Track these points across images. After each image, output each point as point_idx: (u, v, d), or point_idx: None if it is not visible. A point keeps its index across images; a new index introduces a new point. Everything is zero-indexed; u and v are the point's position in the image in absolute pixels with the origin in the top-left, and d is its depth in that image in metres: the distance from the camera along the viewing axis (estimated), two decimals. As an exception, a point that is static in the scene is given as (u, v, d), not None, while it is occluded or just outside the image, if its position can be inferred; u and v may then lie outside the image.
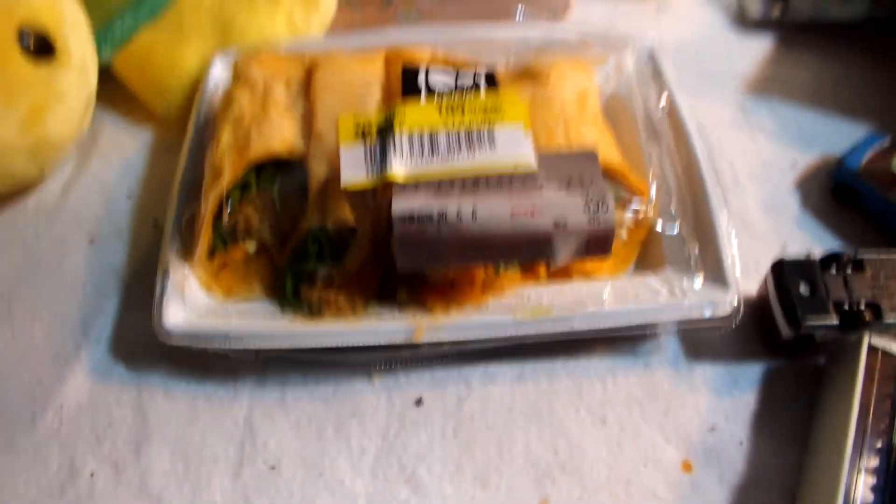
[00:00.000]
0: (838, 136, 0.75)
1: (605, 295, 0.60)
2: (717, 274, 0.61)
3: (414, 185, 0.58)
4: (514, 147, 0.60)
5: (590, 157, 0.60)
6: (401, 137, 0.60)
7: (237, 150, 0.63)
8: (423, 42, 0.72)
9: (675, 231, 0.62)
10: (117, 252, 0.71)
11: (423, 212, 0.57)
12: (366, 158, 0.60)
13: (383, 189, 0.60)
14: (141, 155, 0.77)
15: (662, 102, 0.68)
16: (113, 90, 0.79)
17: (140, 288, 0.68)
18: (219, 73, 0.75)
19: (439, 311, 0.61)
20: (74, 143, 0.72)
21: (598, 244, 0.57)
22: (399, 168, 0.59)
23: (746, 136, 0.76)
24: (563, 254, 0.57)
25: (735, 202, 0.71)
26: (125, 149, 0.77)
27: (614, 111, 0.72)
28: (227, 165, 0.62)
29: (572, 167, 0.60)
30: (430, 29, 0.78)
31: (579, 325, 0.59)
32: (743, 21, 0.86)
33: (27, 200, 0.74)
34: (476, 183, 0.58)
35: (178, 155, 0.70)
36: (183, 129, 0.72)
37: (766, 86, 0.80)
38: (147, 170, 0.76)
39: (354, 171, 0.60)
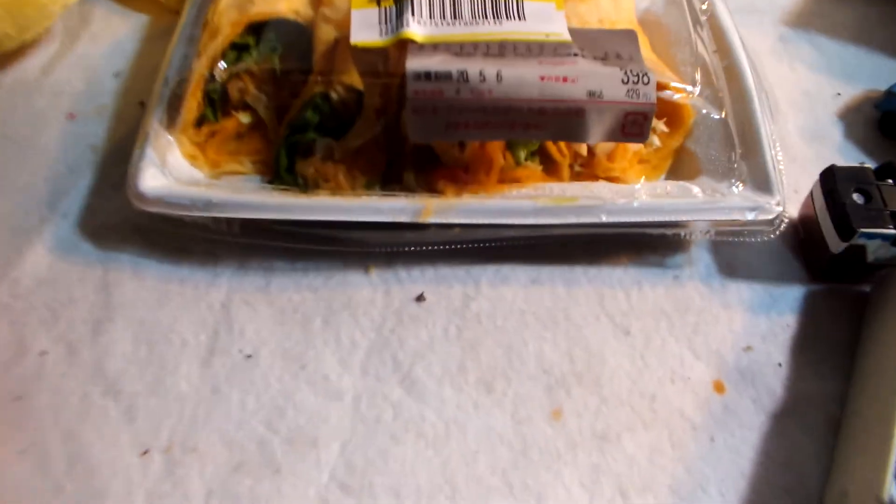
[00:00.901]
0: (883, 70, 0.68)
1: (639, 189, 0.52)
2: (760, 178, 0.53)
3: (432, 46, 0.51)
4: (545, 21, 0.52)
5: (628, 34, 0.53)
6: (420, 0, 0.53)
7: (237, 8, 0.54)
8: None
9: (719, 116, 0.54)
10: (97, 129, 0.62)
11: (441, 70, 0.49)
12: (380, 19, 0.52)
13: (397, 52, 0.52)
14: (133, 38, 0.68)
15: (704, 6, 0.62)
16: None
17: (118, 167, 0.59)
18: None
19: (450, 194, 0.52)
20: (59, 9, 0.64)
21: (635, 123, 0.50)
22: (417, 29, 0.51)
23: (786, 66, 0.68)
24: (595, 131, 0.49)
25: (775, 128, 0.63)
26: (117, 31, 0.68)
27: (647, 25, 0.65)
28: (225, 23, 0.54)
29: (609, 44, 0.52)
30: None
31: (609, 216, 0.51)
32: None
33: (4, 75, 0.66)
34: (502, 48, 0.50)
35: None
36: (178, 16, 0.65)
37: (808, 20, 0.72)
38: (138, 53, 0.67)
39: (366, 30, 0.52)
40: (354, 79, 0.51)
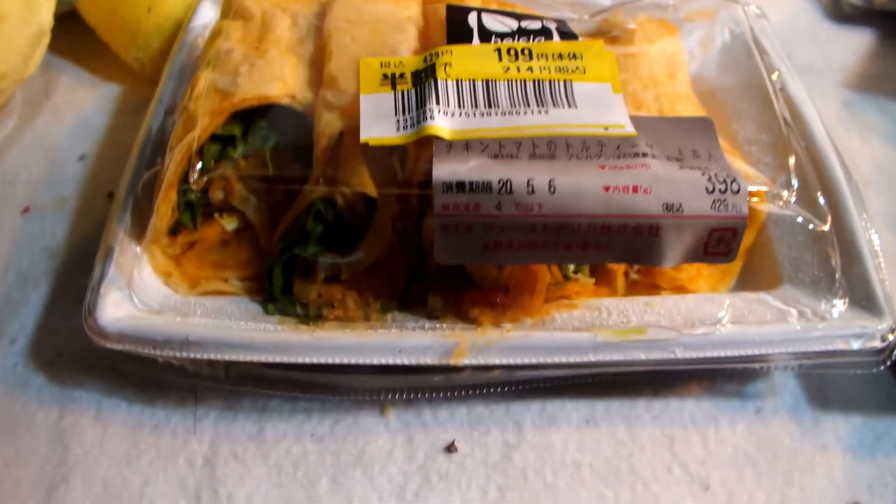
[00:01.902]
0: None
1: (721, 313, 0.41)
2: (862, 294, 0.42)
3: (463, 144, 0.39)
4: (600, 107, 0.40)
5: (703, 124, 0.41)
6: (446, 83, 0.41)
7: (219, 92, 0.42)
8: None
9: (812, 226, 0.42)
10: (56, 227, 0.49)
11: (478, 178, 0.37)
12: (396, 108, 0.40)
13: (418, 149, 0.40)
14: (102, 113, 0.56)
15: (769, 83, 0.50)
16: (77, 38, 0.59)
17: (79, 276, 0.46)
18: (207, 17, 0.54)
19: (487, 324, 0.40)
20: (16, 82, 0.51)
21: (721, 241, 0.38)
22: (443, 121, 0.39)
23: (856, 137, 0.57)
24: (673, 252, 0.37)
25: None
26: (83, 105, 0.56)
27: (698, 95, 0.54)
28: (203, 110, 0.42)
29: (681, 137, 0.40)
30: None
31: (685, 351, 0.40)
32: (838, 9, 0.67)
33: (-50, 157, 0.54)
34: (553, 146, 0.39)
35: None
36: (156, 85, 0.53)
37: (872, 82, 0.61)
38: (108, 130, 0.55)
39: (379, 122, 0.39)
40: (365, 182, 0.39)
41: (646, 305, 0.42)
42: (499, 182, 0.36)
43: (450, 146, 0.38)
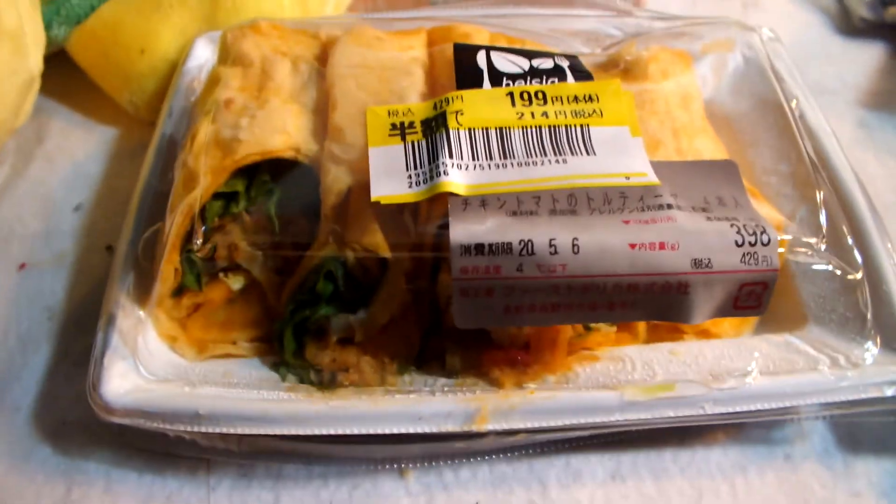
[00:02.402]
0: None
1: (751, 366, 0.39)
2: (892, 337, 0.40)
3: (480, 201, 0.37)
4: (620, 153, 0.38)
5: (726, 168, 0.39)
6: (458, 133, 0.38)
7: (221, 147, 0.39)
8: (472, 20, 0.51)
9: (830, 268, 0.40)
10: (55, 284, 0.47)
11: (497, 240, 0.35)
12: (407, 161, 0.38)
13: (432, 206, 0.38)
14: (97, 159, 0.53)
15: (789, 109, 0.48)
16: (68, 78, 0.56)
17: (80, 336, 0.44)
18: (203, 57, 0.51)
19: (508, 384, 0.38)
20: (7, 134, 0.49)
21: (752, 295, 0.35)
22: (457, 176, 0.37)
23: (873, 160, 0.54)
24: (702, 309, 0.35)
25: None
26: (77, 151, 0.53)
27: (711, 121, 0.51)
28: (204, 168, 0.39)
29: (705, 183, 0.38)
30: (478, 12, 0.53)
31: (714, 406, 0.38)
32: (848, 24, 0.65)
33: (-60, 212, 0.51)
34: (573, 200, 0.37)
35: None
36: (153, 128, 0.50)
37: (888, 99, 0.58)
38: (103, 178, 0.52)
39: (390, 178, 0.37)
40: (377, 242, 0.37)
41: (670, 355, 0.40)
42: (520, 243, 0.34)
43: (465, 203, 0.36)
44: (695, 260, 0.34)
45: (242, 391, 0.38)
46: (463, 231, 0.34)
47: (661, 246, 0.34)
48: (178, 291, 0.41)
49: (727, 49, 0.49)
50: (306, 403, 0.37)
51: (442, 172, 0.36)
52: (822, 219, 0.39)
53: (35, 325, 0.45)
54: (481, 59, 0.42)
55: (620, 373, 0.39)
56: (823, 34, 0.64)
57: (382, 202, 0.36)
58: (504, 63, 0.42)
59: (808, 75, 0.58)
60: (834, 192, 0.44)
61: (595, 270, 0.34)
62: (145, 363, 0.38)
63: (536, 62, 0.42)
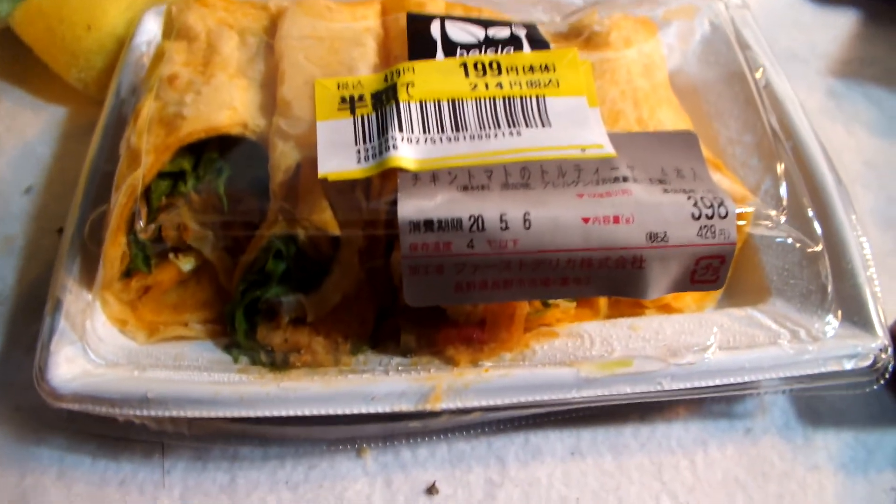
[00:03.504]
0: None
1: (710, 340, 0.38)
2: (853, 308, 0.39)
3: (430, 176, 0.35)
4: (576, 125, 0.36)
5: (686, 139, 0.37)
6: (409, 106, 0.37)
7: (164, 125, 0.37)
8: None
9: (790, 241, 0.39)
10: (4, 269, 0.45)
11: (447, 216, 0.34)
12: (356, 135, 0.36)
13: (383, 182, 0.37)
14: (47, 140, 0.51)
15: (752, 81, 0.46)
16: (14, 56, 0.53)
17: (31, 322, 0.42)
18: (152, 32, 0.49)
19: (464, 362, 0.37)
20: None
21: (709, 269, 0.34)
22: (407, 150, 0.35)
23: (842, 129, 0.53)
24: (657, 283, 0.34)
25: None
26: (26, 131, 0.51)
27: (677, 91, 0.50)
28: (147, 146, 0.37)
29: (664, 154, 0.37)
30: None
31: (672, 382, 0.37)
32: None
33: None
34: (526, 173, 0.35)
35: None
36: (104, 105, 0.48)
37: (858, 68, 0.57)
38: (54, 159, 0.50)
39: (339, 155, 0.35)
40: (327, 220, 0.35)
41: (630, 330, 0.39)
42: (470, 218, 0.32)
43: (416, 178, 0.34)
44: (650, 233, 0.33)
45: (193, 374, 0.36)
46: (412, 207, 0.33)
47: (616, 219, 0.33)
48: (128, 273, 0.39)
49: (689, 17, 0.48)
50: (257, 385, 0.35)
51: (391, 147, 0.34)
52: (783, 191, 0.38)
53: (-16, 309, 0.44)
54: (435, 28, 0.40)
55: (579, 349, 0.38)
56: (794, 2, 0.62)
57: (330, 178, 0.34)
58: (459, 33, 0.40)
59: (777, 43, 0.57)
60: (797, 164, 0.43)
61: (547, 245, 0.32)
62: (94, 347, 0.37)
63: (492, 31, 0.40)
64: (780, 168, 0.40)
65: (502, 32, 0.40)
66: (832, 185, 0.41)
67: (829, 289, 0.38)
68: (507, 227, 0.32)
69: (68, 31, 0.49)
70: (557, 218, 0.32)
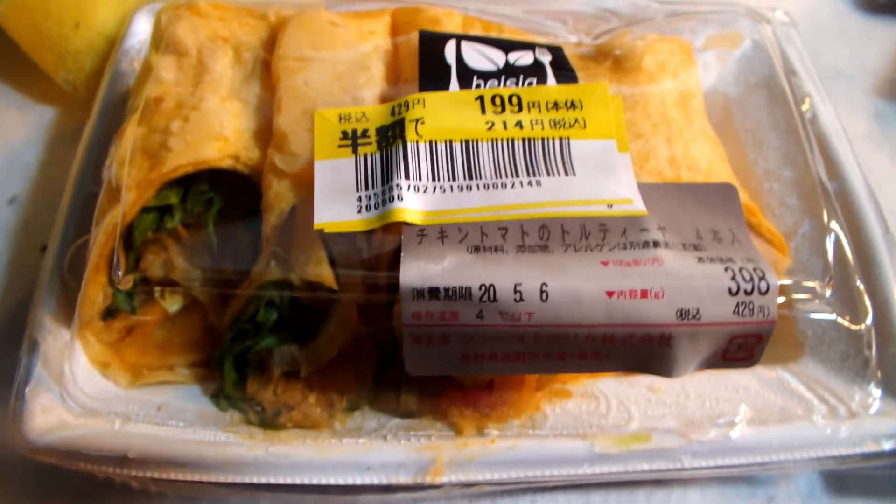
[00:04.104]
0: None
1: (738, 413, 0.34)
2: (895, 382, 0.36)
3: (438, 232, 0.32)
4: (603, 173, 0.32)
5: (724, 192, 0.33)
6: (417, 147, 0.33)
7: (148, 156, 0.34)
8: (446, 2, 0.44)
9: (833, 317, 0.34)
10: None
11: (455, 284, 0.30)
12: (358, 180, 0.32)
13: (386, 230, 0.33)
14: (33, 145, 0.47)
15: (796, 110, 0.41)
16: (1, 50, 0.49)
17: (11, 350, 0.39)
18: (143, 33, 0.44)
19: (469, 429, 0.34)
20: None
21: (743, 347, 0.31)
22: (413, 201, 0.31)
23: (888, 158, 0.49)
24: (685, 362, 0.30)
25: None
26: (11, 134, 0.47)
27: (712, 113, 0.45)
28: (129, 180, 0.33)
29: (700, 211, 0.33)
30: None
31: (694, 460, 0.34)
32: (870, 2, 0.57)
33: None
34: (545, 233, 0.32)
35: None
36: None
37: (911, 88, 0.52)
38: (40, 167, 0.46)
39: (338, 202, 0.31)
40: (322, 272, 0.32)
41: (649, 392, 0.35)
42: (480, 288, 0.29)
43: (421, 234, 0.30)
44: (681, 310, 0.29)
45: (177, 431, 0.33)
46: (416, 272, 0.29)
47: (644, 294, 0.29)
48: (110, 313, 0.36)
49: (733, 45, 0.43)
50: (244, 448, 0.32)
51: (396, 197, 0.30)
52: (829, 254, 0.34)
53: (-38, 333, 0.41)
54: (450, 51, 0.36)
55: (593, 414, 0.35)
56: (840, 10, 0.56)
57: (327, 230, 0.31)
58: (475, 57, 0.36)
59: (821, 58, 0.52)
60: (842, 209, 0.39)
61: (566, 320, 0.29)
62: (72, 394, 0.34)
63: (513, 56, 0.36)
64: (829, 241, 0.35)
65: (525, 58, 0.36)
66: (880, 238, 0.37)
67: (872, 356, 0.35)
68: (521, 299, 0.28)
69: (55, 29, 0.44)
70: (578, 290, 0.29)
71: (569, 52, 0.38)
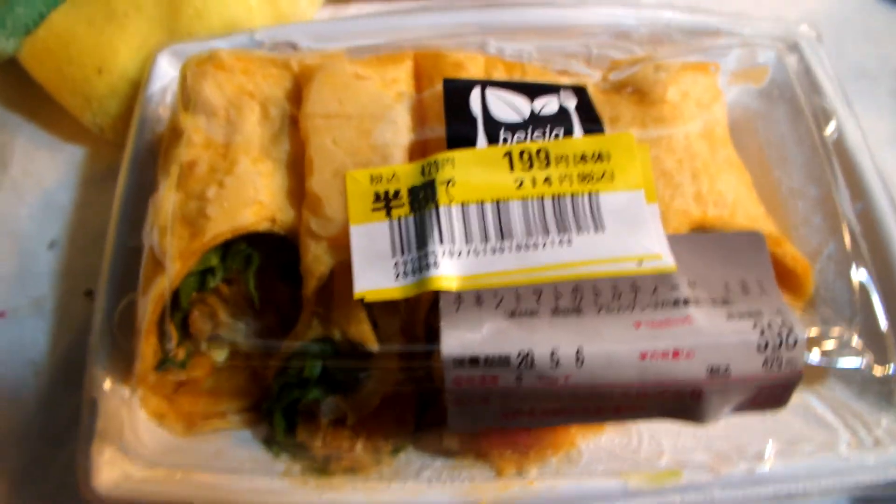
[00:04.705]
0: None
1: (766, 447, 0.36)
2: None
3: (474, 298, 0.32)
4: (632, 228, 0.32)
5: (754, 241, 0.33)
6: (450, 211, 0.33)
7: (187, 224, 0.34)
8: (464, 26, 0.43)
9: (860, 363, 0.35)
10: (36, 332, 0.43)
11: (494, 353, 0.31)
12: (393, 245, 0.33)
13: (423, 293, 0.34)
14: (66, 186, 0.47)
15: (818, 131, 0.41)
16: (27, 91, 0.49)
17: (67, 394, 0.41)
18: (167, 76, 0.44)
19: (509, 469, 0.36)
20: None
21: (771, 396, 0.32)
22: (449, 267, 0.32)
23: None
24: (716, 412, 0.31)
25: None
26: (44, 176, 0.48)
27: (735, 129, 0.44)
28: (171, 250, 0.34)
29: (728, 263, 0.33)
30: (476, 12, 0.43)
31: (724, 492, 0.35)
32: None
33: None
34: (578, 295, 0.32)
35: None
36: (122, 150, 0.45)
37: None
38: (76, 209, 0.47)
39: (375, 268, 0.32)
40: (364, 333, 0.33)
41: (678, 426, 0.37)
42: (518, 355, 0.30)
43: (459, 300, 0.31)
44: (711, 367, 0.30)
45: (234, 478, 0.35)
46: (456, 342, 0.30)
47: (675, 354, 0.30)
48: (162, 364, 0.38)
49: (757, 81, 0.42)
50: (300, 496, 0.34)
51: (432, 264, 0.31)
52: (854, 294, 0.35)
53: (22, 381, 0.42)
54: (475, 100, 0.36)
55: (625, 449, 0.36)
56: (865, 4, 0.54)
57: (367, 299, 0.32)
58: (501, 108, 0.36)
59: (844, 57, 0.51)
60: (866, 231, 0.39)
61: (600, 381, 0.30)
62: (132, 448, 0.36)
63: (539, 104, 0.36)
64: (856, 279, 0.35)
65: (550, 105, 0.36)
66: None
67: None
68: (558, 364, 0.30)
69: (78, 73, 0.44)
70: (613, 354, 0.30)
71: (592, 89, 0.38)
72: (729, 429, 0.37)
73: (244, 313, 0.37)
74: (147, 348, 0.36)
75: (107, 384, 0.37)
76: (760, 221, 0.37)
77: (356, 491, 0.35)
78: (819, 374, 0.39)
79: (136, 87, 0.44)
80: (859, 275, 0.36)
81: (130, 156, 0.42)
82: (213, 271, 0.36)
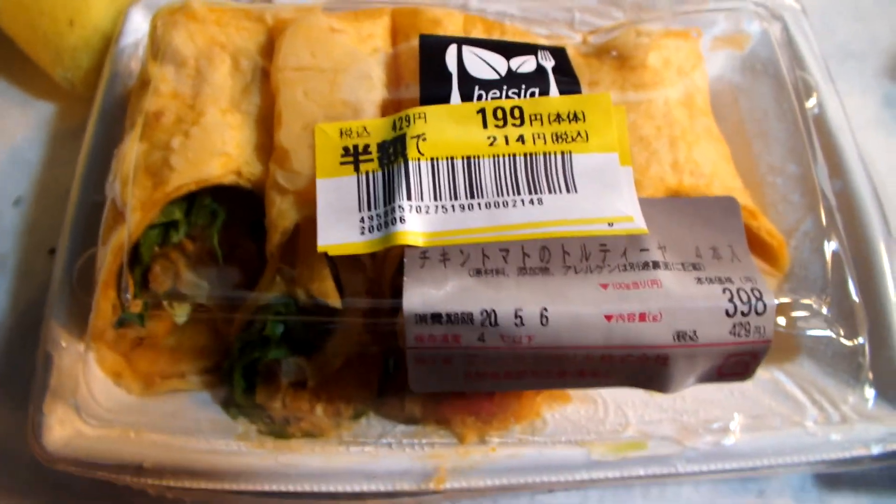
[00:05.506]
0: None
1: (732, 419, 0.35)
2: (888, 383, 0.36)
3: (440, 254, 0.32)
4: (605, 190, 0.32)
5: (727, 206, 0.32)
6: (419, 166, 0.32)
7: (150, 175, 0.33)
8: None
9: (829, 333, 0.35)
10: None
11: (457, 309, 0.30)
12: (360, 199, 0.32)
13: (389, 249, 0.33)
14: (35, 143, 0.46)
15: (801, 106, 0.40)
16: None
17: (25, 354, 0.40)
18: (139, 30, 0.43)
19: (471, 437, 0.35)
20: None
21: (738, 364, 0.32)
22: (416, 222, 0.31)
23: (897, 145, 0.48)
24: (681, 379, 0.31)
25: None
26: (13, 132, 0.46)
27: (717, 102, 0.43)
28: (133, 200, 0.33)
29: (700, 227, 0.33)
30: None
31: (688, 465, 0.34)
32: None
33: None
34: (546, 254, 0.32)
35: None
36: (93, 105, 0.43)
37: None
38: (43, 167, 0.46)
39: (341, 222, 0.31)
40: (327, 290, 0.32)
41: (646, 395, 0.36)
42: (482, 313, 0.29)
43: (424, 257, 0.30)
44: (678, 332, 0.29)
45: (190, 440, 0.34)
46: (418, 298, 0.29)
47: (642, 317, 0.29)
48: (121, 322, 0.37)
49: (739, 47, 0.41)
50: (255, 457, 0.33)
51: (398, 219, 0.30)
52: (828, 262, 0.34)
53: (-28, 337, 0.41)
54: (451, 57, 0.35)
55: (591, 420, 0.35)
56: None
57: (330, 253, 0.31)
58: (477, 64, 0.35)
59: (833, 36, 0.50)
60: (844, 209, 0.38)
61: (565, 343, 0.29)
62: (86, 406, 0.35)
63: (516, 63, 0.35)
64: (827, 247, 0.35)
65: (527, 65, 0.35)
66: (881, 241, 0.37)
67: (866, 362, 0.35)
68: (522, 324, 0.29)
69: (50, 27, 0.43)
70: (578, 315, 0.29)
71: (572, 52, 0.37)
72: (696, 402, 0.36)
73: (208, 270, 0.36)
74: (105, 302, 0.35)
75: (63, 340, 0.36)
76: (737, 194, 0.37)
77: (313, 454, 0.34)
78: (788, 352, 0.38)
79: (108, 40, 0.43)
80: (832, 248, 0.35)
81: (99, 109, 0.41)
82: (176, 225, 0.35)
